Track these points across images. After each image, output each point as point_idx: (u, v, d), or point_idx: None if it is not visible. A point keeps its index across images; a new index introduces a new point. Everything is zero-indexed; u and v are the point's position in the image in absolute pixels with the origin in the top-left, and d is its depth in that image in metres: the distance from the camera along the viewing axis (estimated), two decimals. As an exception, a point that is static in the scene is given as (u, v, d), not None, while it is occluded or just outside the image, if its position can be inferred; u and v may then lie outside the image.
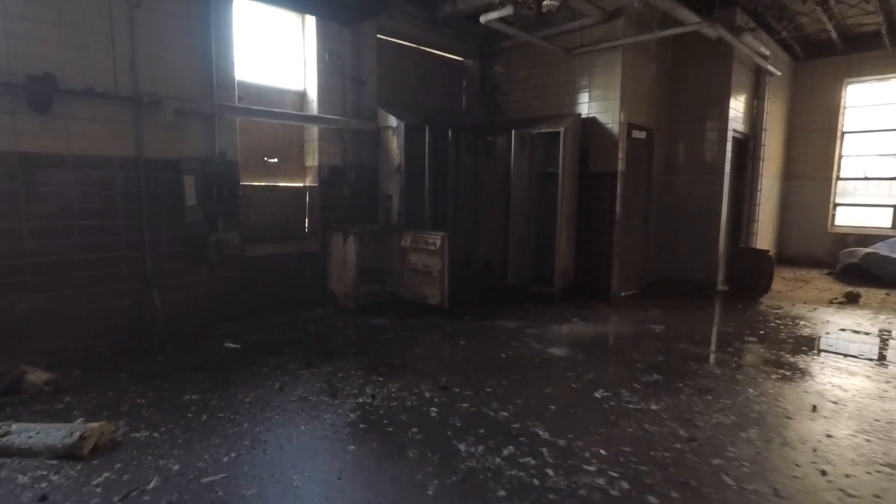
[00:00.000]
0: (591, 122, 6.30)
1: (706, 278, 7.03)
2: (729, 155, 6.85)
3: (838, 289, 7.10)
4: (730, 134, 6.82)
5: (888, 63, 8.35)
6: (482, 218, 6.77)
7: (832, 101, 8.96)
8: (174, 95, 4.50)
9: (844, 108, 9.00)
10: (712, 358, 4.34)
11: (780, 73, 7.60)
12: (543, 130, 6.17)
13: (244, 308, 5.16)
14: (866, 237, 8.79)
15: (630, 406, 3.28)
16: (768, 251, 6.69)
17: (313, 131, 5.72)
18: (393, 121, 5.83)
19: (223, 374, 3.71)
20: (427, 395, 3.41)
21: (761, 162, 7.57)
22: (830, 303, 6.32)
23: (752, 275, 6.67)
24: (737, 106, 6.97)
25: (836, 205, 9.24)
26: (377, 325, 5.07)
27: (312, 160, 5.78)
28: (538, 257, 6.54)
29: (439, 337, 4.77)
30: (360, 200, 6.08)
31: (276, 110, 5.29)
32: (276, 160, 5.62)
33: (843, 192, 9.23)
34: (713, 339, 4.89)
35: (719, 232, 6.92)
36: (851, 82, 8.84)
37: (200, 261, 4.81)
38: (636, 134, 6.41)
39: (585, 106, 6.37)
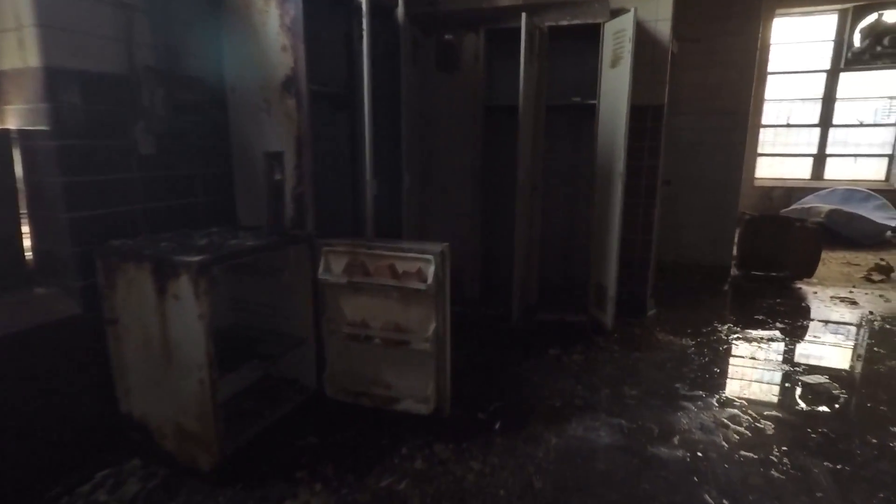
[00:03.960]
0: (619, 19, 3.59)
1: (718, 261, 5.14)
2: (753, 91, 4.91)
3: (834, 257, 5.96)
4: (757, 58, 4.85)
5: (821, -8, 7.41)
6: (438, 192, 3.66)
7: (763, 35, 7.82)
8: None
9: (770, 44, 7.98)
10: None
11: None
12: (564, 23, 3.26)
13: None
14: (791, 190, 8.11)
15: None
16: (801, 220, 5.06)
17: (10, -41, 1.86)
18: (265, -41, 2.27)
19: None
20: None
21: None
22: (869, 281, 4.98)
23: (778, 253, 4.96)
24: (751, 19, 5.00)
25: (758, 155, 8.37)
26: (308, 535, 1.78)
27: (23, 54, 1.94)
28: (542, 260, 3.77)
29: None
30: (185, 168, 2.44)
31: None
32: None
33: (762, 140, 8.40)
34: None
35: (737, 197, 5.03)
36: (781, 14, 7.78)
37: None
38: (672, 46, 3.95)
39: (600, -9, 3.60)
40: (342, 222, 2.67)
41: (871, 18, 7.36)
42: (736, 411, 2.58)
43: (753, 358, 3.23)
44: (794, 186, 8.07)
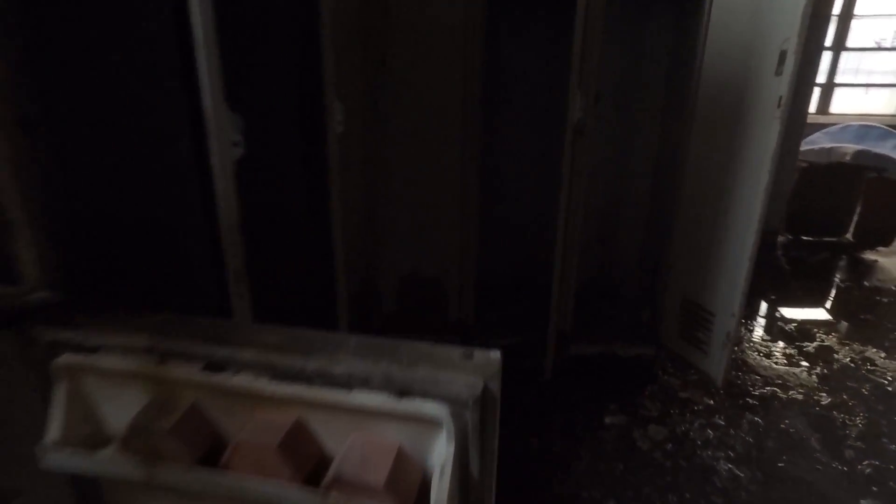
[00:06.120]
0: None
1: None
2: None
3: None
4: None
5: None
6: (399, 135, 2.00)
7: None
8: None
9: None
10: None
11: None
12: None
13: None
14: (793, 126, 6.99)
15: None
16: (878, 170, 3.87)
17: None
18: None
19: None
20: None
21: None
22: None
23: (839, 214, 3.78)
24: None
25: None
26: None
27: None
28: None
29: None
30: None
31: None
32: None
33: (764, 66, 7.13)
34: None
35: (800, 138, 3.72)
36: None
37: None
38: None
39: None
40: (182, 255, 1.01)
41: (910, -89, 6.04)
42: None
43: (929, 414, 1.99)
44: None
